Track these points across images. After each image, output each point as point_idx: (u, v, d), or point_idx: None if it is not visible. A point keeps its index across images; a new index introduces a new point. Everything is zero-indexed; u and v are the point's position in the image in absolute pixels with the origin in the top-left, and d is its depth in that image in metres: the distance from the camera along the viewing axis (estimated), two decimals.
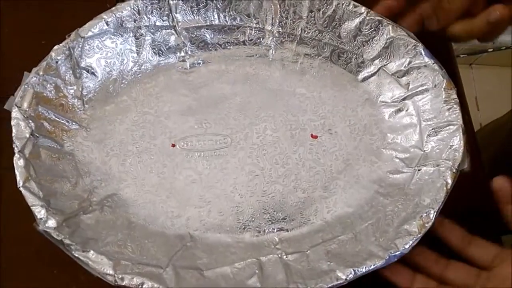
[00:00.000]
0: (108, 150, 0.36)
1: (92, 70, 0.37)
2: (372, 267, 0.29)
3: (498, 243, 0.31)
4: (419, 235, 0.30)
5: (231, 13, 0.38)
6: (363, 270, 0.29)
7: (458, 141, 0.33)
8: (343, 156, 0.36)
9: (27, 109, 0.33)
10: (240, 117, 0.37)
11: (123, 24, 0.37)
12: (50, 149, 0.34)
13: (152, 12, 0.37)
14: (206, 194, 0.35)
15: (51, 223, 0.29)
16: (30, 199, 0.30)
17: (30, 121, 0.33)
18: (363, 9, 0.37)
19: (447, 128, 0.34)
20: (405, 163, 0.35)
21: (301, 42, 0.39)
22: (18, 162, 0.31)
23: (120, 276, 0.29)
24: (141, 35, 0.38)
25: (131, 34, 0.37)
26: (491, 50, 1.08)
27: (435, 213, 0.30)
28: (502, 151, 0.48)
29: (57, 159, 0.34)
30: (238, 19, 0.38)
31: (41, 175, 0.32)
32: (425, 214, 0.30)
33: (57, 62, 0.35)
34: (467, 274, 0.30)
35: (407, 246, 0.29)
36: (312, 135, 0.36)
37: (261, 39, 0.39)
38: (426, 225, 0.30)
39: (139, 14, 0.37)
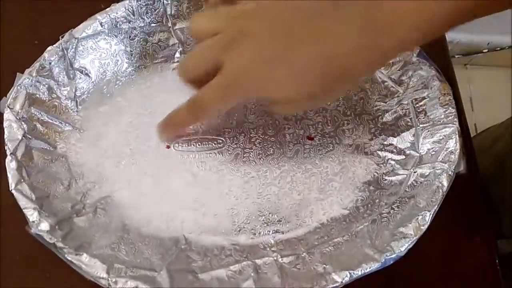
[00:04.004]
0: (102, 152, 0.35)
1: (86, 71, 0.36)
2: (368, 270, 0.29)
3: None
4: (415, 238, 0.30)
5: None
6: (358, 273, 0.29)
7: (454, 144, 0.33)
8: (339, 158, 0.36)
9: (19, 111, 0.33)
10: (236, 118, 0.37)
11: (118, 25, 0.36)
12: (43, 151, 0.33)
13: (146, 13, 0.37)
14: (201, 196, 0.34)
15: (44, 226, 0.29)
16: (22, 201, 0.30)
17: (23, 122, 0.33)
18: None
19: (443, 130, 0.34)
20: (400, 165, 0.35)
21: None
22: (10, 165, 0.31)
23: (114, 280, 0.28)
24: (135, 36, 0.37)
25: (126, 35, 0.37)
26: (486, 50, 1.08)
27: (430, 216, 0.30)
28: (503, 158, 0.47)
29: (50, 161, 0.33)
30: None
31: (33, 177, 0.31)
32: (421, 217, 0.30)
33: (50, 63, 0.35)
34: None
35: (403, 249, 0.29)
36: (308, 137, 0.36)
37: None
38: (422, 227, 0.30)
39: (133, 15, 0.37)
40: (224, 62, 0.28)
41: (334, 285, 0.29)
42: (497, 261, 0.34)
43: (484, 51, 1.08)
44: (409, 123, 0.36)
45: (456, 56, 1.10)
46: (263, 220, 0.34)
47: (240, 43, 0.27)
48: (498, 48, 1.08)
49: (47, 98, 0.35)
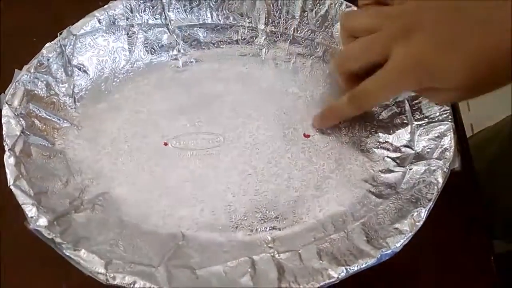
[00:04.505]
0: (100, 148, 0.35)
1: (84, 68, 0.36)
2: (364, 265, 0.29)
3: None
4: (410, 234, 0.30)
5: (224, 12, 0.38)
6: (355, 268, 0.29)
7: (449, 141, 0.33)
8: (335, 155, 0.36)
9: (17, 107, 0.33)
10: (233, 116, 0.37)
11: (116, 22, 0.37)
12: (41, 147, 0.33)
13: (144, 10, 0.37)
14: (198, 193, 0.34)
15: (42, 221, 0.29)
16: (20, 197, 0.30)
17: (21, 119, 0.33)
18: (355, 9, 0.37)
19: (438, 127, 0.34)
20: (396, 162, 0.35)
21: (294, 41, 0.39)
22: (9, 160, 0.31)
23: (112, 275, 0.28)
24: (133, 33, 0.37)
25: (124, 32, 0.37)
26: None
27: (426, 212, 0.31)
28: (496, 160, 0.48)
29: (48, 157, 0.33)
30: (231, 18, 0.38)
31: (32, 173, 0.31)
32: (416, 213, 0.30)
33: (48, 59, 0.35)
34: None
35: (398, 245, 0.30)
36: (304, 134, 0.37)
37: (254, 38, 0.39)
38: (417, 223, 0.30)
39: (131, 12, 0.37)
40: (392, 53, 0.29)
41: (331, 280, 0.29)
42: (492, 257, 0.34)
43: None
44: (405, 121, 0.36)
45: None
46: (260, 217, 0.34)
47: (407, 36, 0.28)
48: None
49: (45, 95, 0.35)
